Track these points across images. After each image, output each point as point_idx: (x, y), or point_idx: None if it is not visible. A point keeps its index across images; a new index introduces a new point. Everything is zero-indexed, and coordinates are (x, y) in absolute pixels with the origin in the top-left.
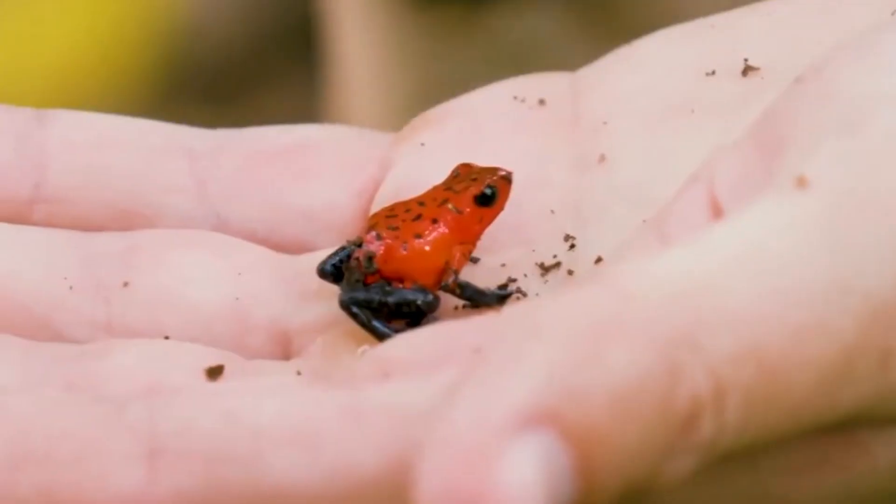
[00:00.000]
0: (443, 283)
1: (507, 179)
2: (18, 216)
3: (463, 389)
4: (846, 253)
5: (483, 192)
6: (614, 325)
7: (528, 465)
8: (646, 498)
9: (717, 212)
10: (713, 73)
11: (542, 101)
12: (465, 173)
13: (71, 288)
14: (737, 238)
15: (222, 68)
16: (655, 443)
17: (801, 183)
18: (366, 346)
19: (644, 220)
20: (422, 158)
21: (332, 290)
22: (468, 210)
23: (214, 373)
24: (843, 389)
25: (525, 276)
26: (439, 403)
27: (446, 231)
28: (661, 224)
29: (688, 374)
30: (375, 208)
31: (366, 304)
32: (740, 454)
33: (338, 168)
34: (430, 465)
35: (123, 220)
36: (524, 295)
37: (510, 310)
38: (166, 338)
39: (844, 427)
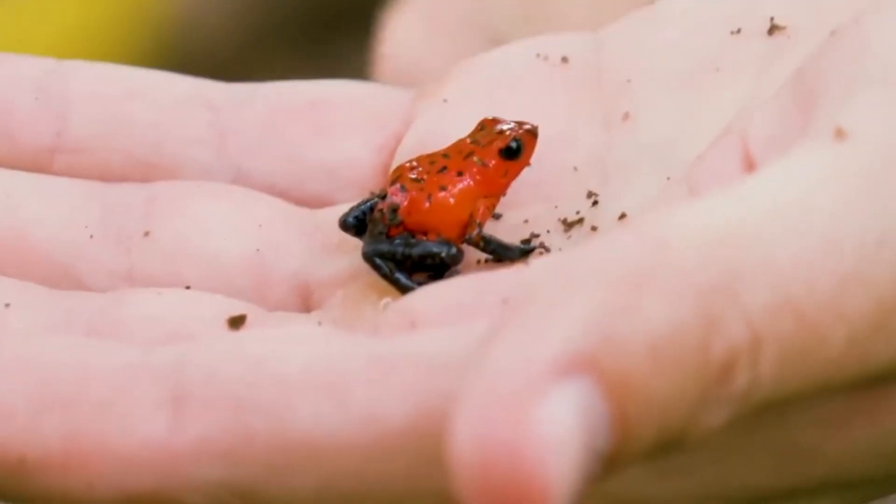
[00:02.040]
0: (467, 237)
1: (532, 133)
2: (39, 165)
3: (500, 338)
4: (884, 204)
5: (509, 145)
6: (651, 274)
7: (566, 411)
8: (678, 448)
9: (749, 165)
10: (739, 31)
11: (564, 59)
12: (490, 127)
13: (92, 237)
14: (775, 188)
15: (216, 60)
16: (690, 392)
17: (840, 134)
18: (388, 299)
19: (668, 178)
20: (444, 114)
21: (353, 244)
22: (493, 163)
23: (237, 322)
24: (877, 344)
25: (548, 231)
26: (474, 352)
27: (471, 184)
28: (692, 177)
29: (724, 324)
30: (397, 163)
31: (389, 257)
32: (772, 407)
33: (359, 123)
34: (467, 412)
35: (144, 171)
36: (547, 250)
37: (539, 261)
38: (187, 288)
39: (876, 382)
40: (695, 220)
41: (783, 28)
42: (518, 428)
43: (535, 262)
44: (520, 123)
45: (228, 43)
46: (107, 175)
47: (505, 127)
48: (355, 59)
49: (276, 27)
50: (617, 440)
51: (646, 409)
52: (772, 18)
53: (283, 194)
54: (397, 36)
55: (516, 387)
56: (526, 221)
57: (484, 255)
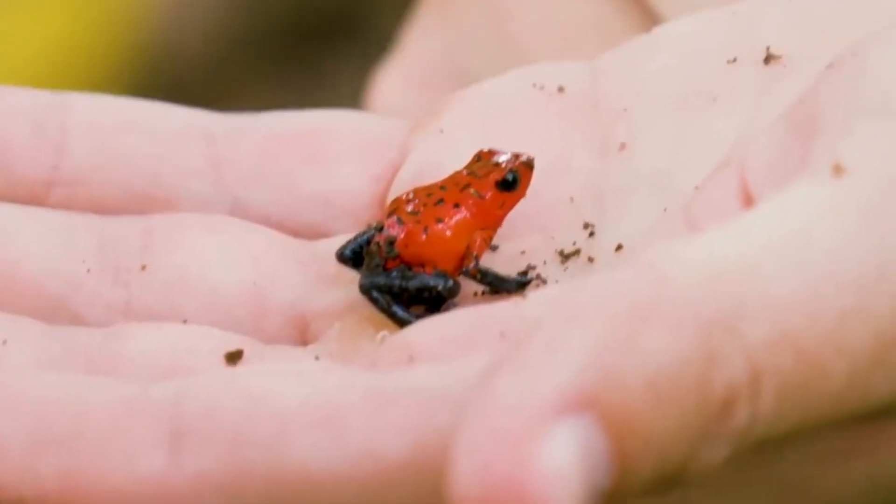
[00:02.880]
0: (463, 269)
1: (528, 165)
2: (35, 198)
3: (500, 373)
4: (883, 237)
5: (505, 177)
6: (652, 309)
7: (566, 449)
8: (678, 484)
9: (747, 198)
10: (735, 60)
11: (561, 88)
12: (486, 158)
13: (88, 270)
14: (776, 223)
15: (197, 71)
16: (691, 429)
17: (839, 169)
18: (385, 332)
19: (665, 209)
20: (440, 144)
21: (350, 276)
22: (490, 195)
23: (234, 357)
24: (877, 378)
25: (545, 263)
26: (474, 386)
27: (468, 216)
28: (690, 210)
29: (724, 359)
30: (393, 194)
31: (386, 289)
32: (772, 442)
33: (356, 153)
34: (468, 447)
35: (140, 203)
36: (544, 282)
37: (537, 294)
38: (184, 321)
39: (874, 417)
40: (695, 254)
41: (779, 57)
42: (519, 464)
43: (533, 295)
44: (516, 155)
45: (210, 55)
46: (104, 207)
47: (501, 158)
48: (336, 74)
49: (257, 39)
50: (617, 476)
51: (646, 446)
52: (768, 47)
53: (280, 224)
54: (383, 94)
55: (517, 423)
56: (523, 253)
57: (481, 287)
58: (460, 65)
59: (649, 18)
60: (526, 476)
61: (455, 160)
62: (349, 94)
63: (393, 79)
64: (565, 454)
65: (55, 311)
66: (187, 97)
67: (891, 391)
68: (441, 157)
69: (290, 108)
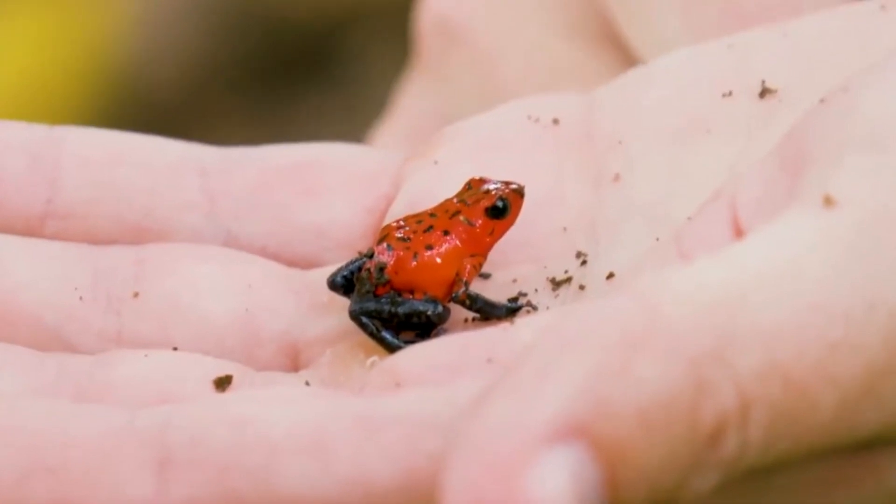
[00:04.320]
0: (453, 295)
1: (519, 193)
2: (31, 230)
3: (491, 399)
4: (873, 269)
5: (495, 204)
6: (643, 338)
7: (558, 476)
8: None
9: (737, 230)
10: (730, 93)
11: (556, 121)
12: (477, 186)
13: (81, 299)
14: (765, 254)
15: (169, 103)
16: (681, 457)
17: (829, 201)
18: (375, 358)
19: (658, 239)
20: (434, 176)
21: (342, 304)
22: (480, 222)
23: (223, 383)
24: (867, 409)
25: (536, 290)
26: (464, 412)
27: (457, 243)
28: (681, 240)
29: (714, 388)
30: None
31: (376, 315)
32: (761, 472)
33: (349, 185)
34: (459, 474)
35: (134, 236)
36: (534, 308)
37: (527, 320)
38: (175, 349)
39: (860, 449)
40: (686, 284)
41: (774, 91)
42: (511, 492)
43: (521, 321)
44: (506, 183)
45: (182, 87)
46: (98, 240)
47: (491, 186)
48: (308, 106)
49: (230, 72)
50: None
51: (637, 474)
52: (763, 81)
53: (274, 256)
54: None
55: (509, 450)
56: (514, 280)
57: (471, 314)
58: (452, 121)
59: (626, 61)
60: (517, 502)
61: (449, 191)
62: (321, 127)
63: (387, 139)
64: (557, 482)
65: (49, 340)
66: (159, 128)
67: (879, 422)
68: (435, 188)
69: (261, 141)
